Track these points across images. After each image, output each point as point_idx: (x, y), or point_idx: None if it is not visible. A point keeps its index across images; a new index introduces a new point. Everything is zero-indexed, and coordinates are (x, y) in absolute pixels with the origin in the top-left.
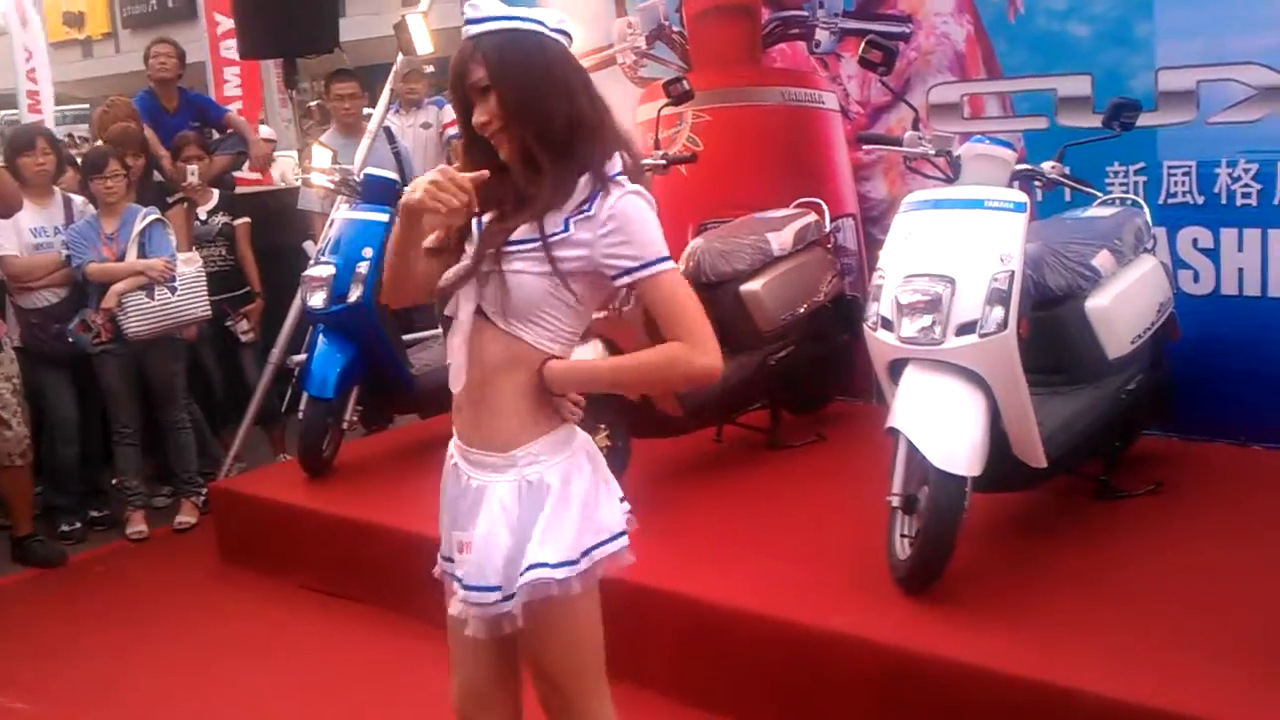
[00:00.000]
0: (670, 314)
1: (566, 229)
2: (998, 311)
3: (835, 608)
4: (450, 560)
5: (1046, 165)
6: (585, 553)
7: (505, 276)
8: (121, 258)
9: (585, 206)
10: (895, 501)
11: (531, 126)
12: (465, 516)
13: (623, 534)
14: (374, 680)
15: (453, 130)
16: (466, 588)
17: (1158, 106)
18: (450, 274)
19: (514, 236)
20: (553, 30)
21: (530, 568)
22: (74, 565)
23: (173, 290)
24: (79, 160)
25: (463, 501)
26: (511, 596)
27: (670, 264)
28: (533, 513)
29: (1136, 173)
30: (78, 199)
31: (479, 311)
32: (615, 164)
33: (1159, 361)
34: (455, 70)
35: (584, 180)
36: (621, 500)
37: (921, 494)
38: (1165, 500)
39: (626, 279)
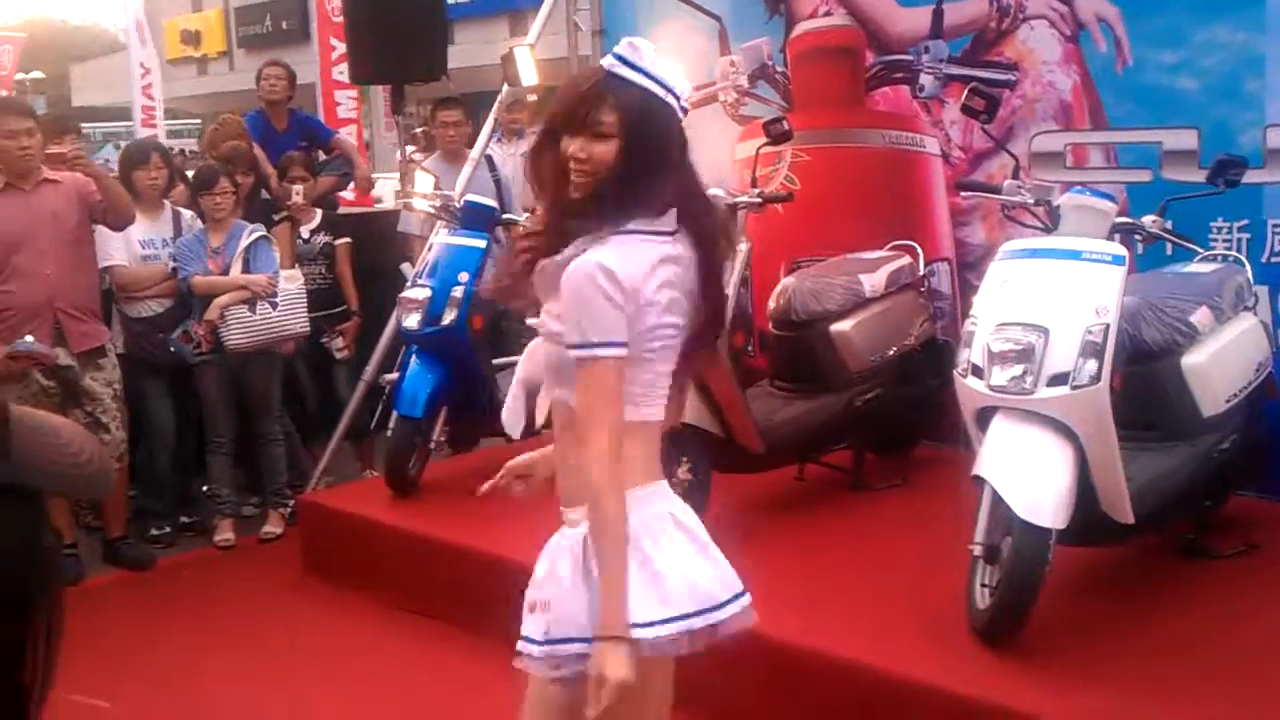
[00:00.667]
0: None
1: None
2: (1091, 364)
3: (912, 655)
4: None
5: (1148, 219)
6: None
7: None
8: (226, 272)
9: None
10: (977, 550)
11: (630, 193)
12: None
13: (677, 619)
14: (443, 700)
15: None
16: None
17: (1265, 163)
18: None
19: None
20: (681, 105)
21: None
22: (162, 569)
23: (274, 305)
24: (189, 175)
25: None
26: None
27: (596, 352)
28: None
29: (1240, 229)
30: (186, 213)
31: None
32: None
33: (1255, 421)
34: (574, 93)
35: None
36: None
37: (1004, 544)
38: (1257, 562)
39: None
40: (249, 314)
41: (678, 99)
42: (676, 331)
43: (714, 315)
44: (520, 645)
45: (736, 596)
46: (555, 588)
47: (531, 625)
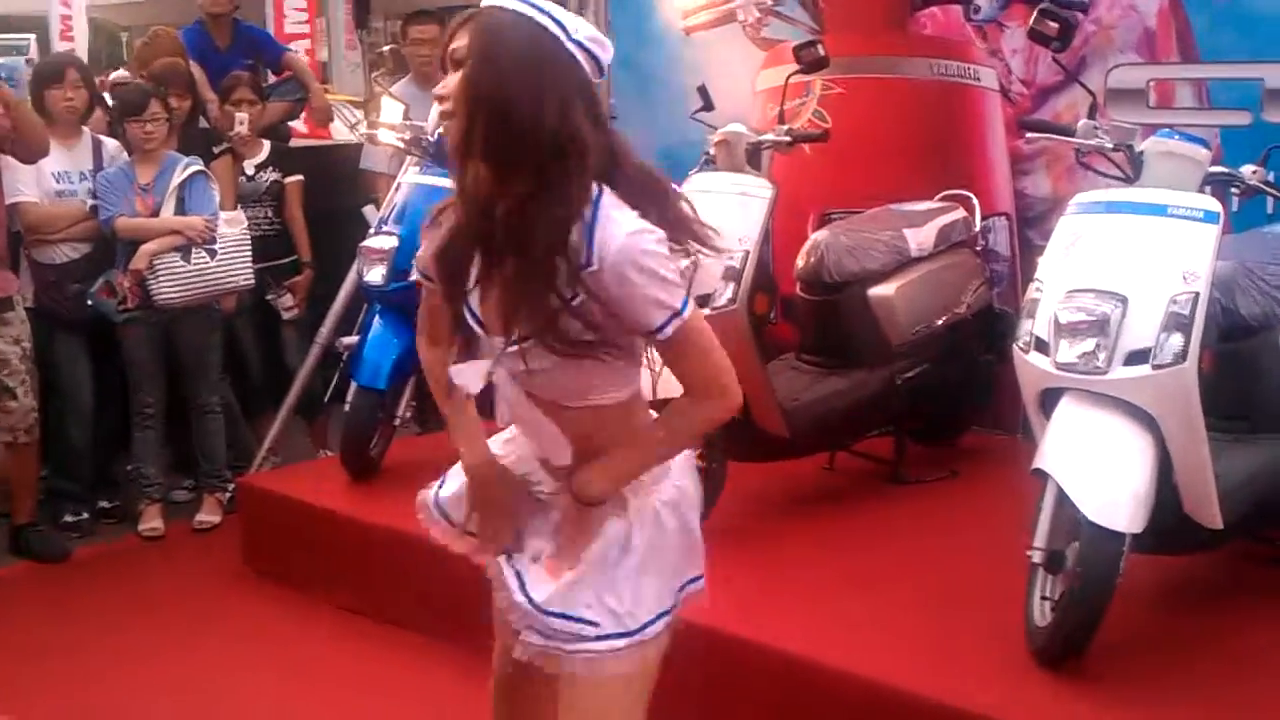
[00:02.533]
0: (694, 365)
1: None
2: (1176, 339)
3: (957, 678)
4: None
5: (1247, 169)
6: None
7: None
8: (156, 213)
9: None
10: (1037, 557)
11: (484, 108)
12: None
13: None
14: (400, 717)
15: None
16: None
17: None
18: None
19: None
20: (572, 40)
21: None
22: (77, 561)
23: (212, 254)
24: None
25: None
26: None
27: (685, 316)
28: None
29: None
30: (110, 142)
31: None
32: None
33: None
34: (448, 35)
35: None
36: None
37: (1070, 550)
38: None
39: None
40: (183, 263)
41: (564, 30)
42: None
43: None
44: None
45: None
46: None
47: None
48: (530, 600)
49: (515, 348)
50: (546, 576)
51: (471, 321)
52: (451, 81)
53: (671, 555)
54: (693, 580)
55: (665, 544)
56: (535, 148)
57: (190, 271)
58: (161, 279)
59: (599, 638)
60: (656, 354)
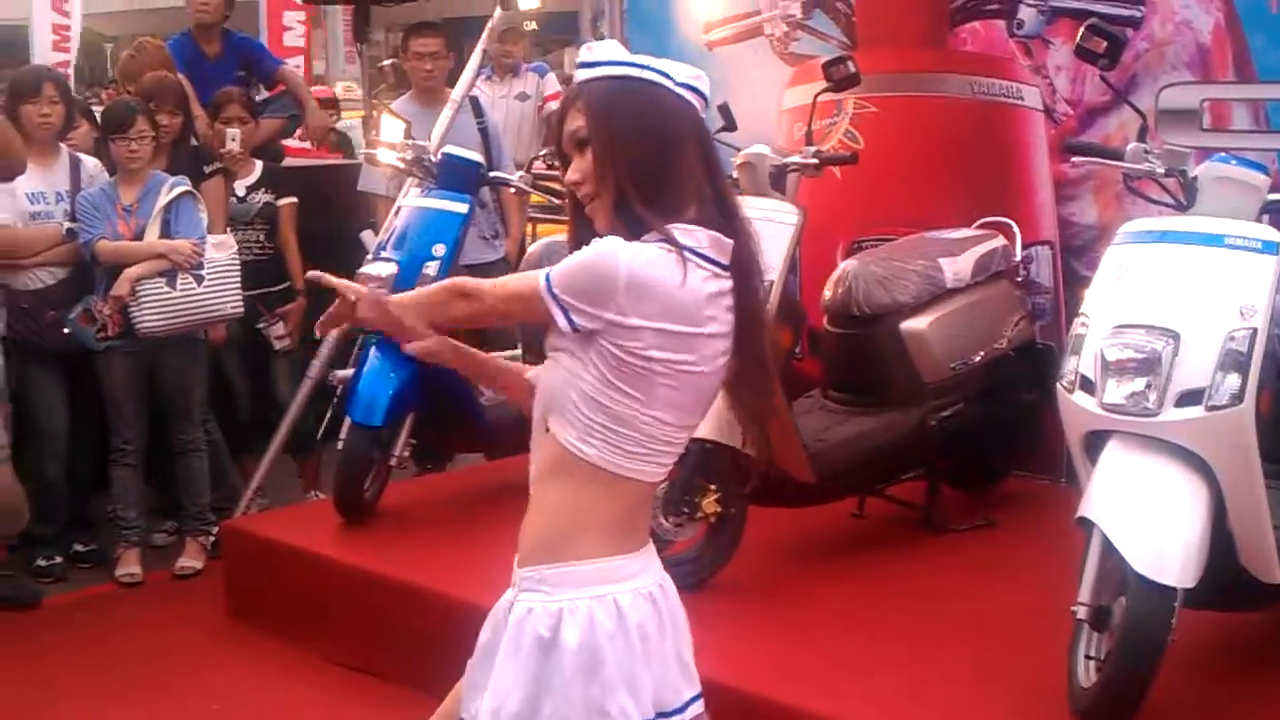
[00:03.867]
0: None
1: None
2: (1233, 379)
3: None
4: None
5: None
6: None
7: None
8: (140, 236)
9: None
10: (1082, 613)
11: (629, 178)
12: None
13: None
14: None
15: (554, 104)
16: None
17: None
18: None
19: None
20: (679, 85)
21: None
22: (49, 609)
23: (199, 280)
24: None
25: None
26: None
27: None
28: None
29: None
30: (89, 160)
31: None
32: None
33: None
34: (556, 119)
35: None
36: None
37: (1117, 606)
38: None
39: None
40: (168, 290)
41: (667, 75)
42: (707, 376)
43: (758, 368)
44: None
45: (692, 700)
46: (485, 666)
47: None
48: None
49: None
50: None
51: None
52: (582, 164)
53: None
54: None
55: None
56: (660, 189)
57: (176, 299)
58: (145, 306)
59: None
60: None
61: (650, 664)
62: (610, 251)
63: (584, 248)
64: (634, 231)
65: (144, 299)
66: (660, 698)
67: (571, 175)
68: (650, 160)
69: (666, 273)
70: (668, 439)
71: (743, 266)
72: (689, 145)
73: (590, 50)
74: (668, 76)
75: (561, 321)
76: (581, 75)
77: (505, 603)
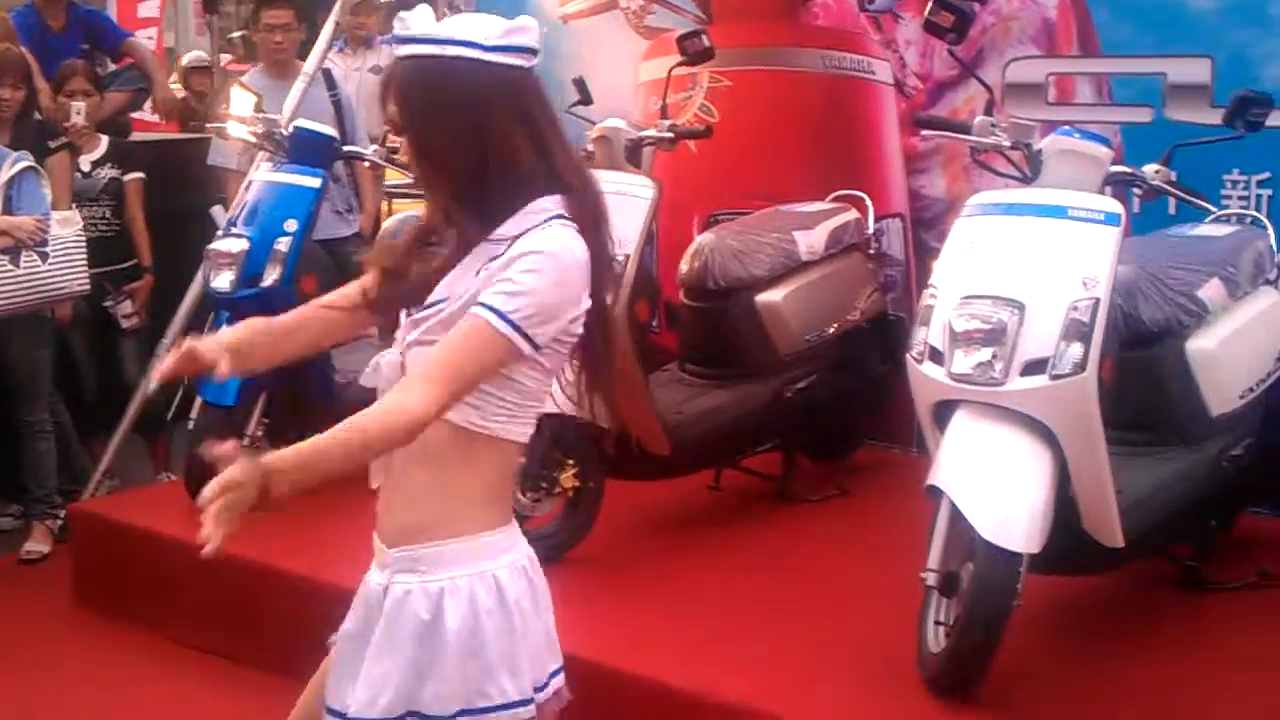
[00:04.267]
0: (442, 349)
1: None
2: (1075, 348)
3: (849, 710)
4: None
5: (1149, 169)
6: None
7: (408, 351)
8: None
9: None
10: (931, 580)
11: (448, 171)
12: None
13: (520, 704)
14: None
15: None
16: None
17: None
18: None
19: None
20: (492, 49)
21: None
22: None
23: (44, 257)
24: None
25: None
26: None
27: (503, 324)
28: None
29: (1260, 184)
30: None
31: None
32: (549, 206)
33: (1274, 422)
34: (381, 100)
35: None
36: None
37: (965, 572)
38: (1273, 596)
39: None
40: (11, 267)
41: (476, 46)
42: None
43: (605, 333)
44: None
45: (555, 673)
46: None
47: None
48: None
49: (423, 313)
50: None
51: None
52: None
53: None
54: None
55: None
56: (484, 178)
57: (19, 276)
58: None
59: None
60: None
61: (527, 640)
62: (551, 257)
63: (516, 261)
64: (486, 215)
65: None
66: (534, 674)
67: (403, 156)
68: (465, 150)
69: (580, 250)
70: (538, 401)
71: (593, 227)
72: (503, 120)
73: (401, 23)
74: (476, 46)
75: (526, 349)
76: (398, 52)
77: (377, 586)
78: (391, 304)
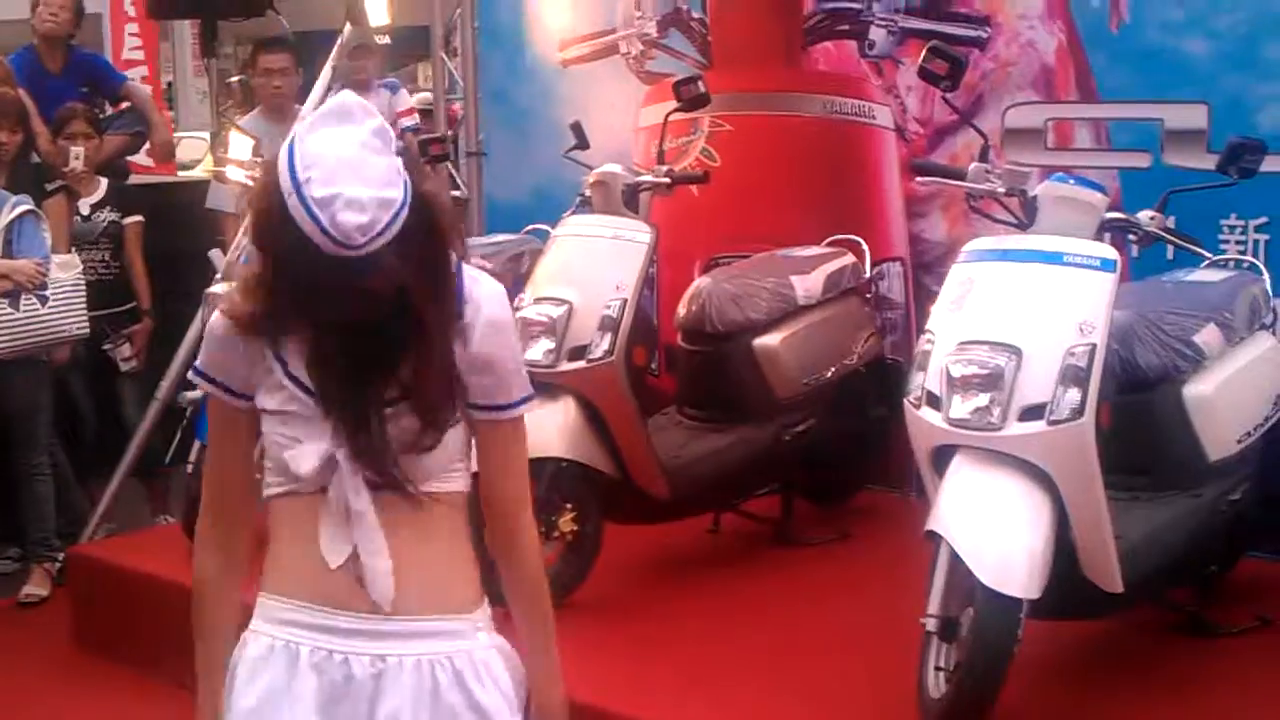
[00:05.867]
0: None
1: None
2: (1073, 394)
3: None
4: None
5: (1144, 214)
6: None
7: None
8: None
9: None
10: (931, 625)
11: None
12: None
13: None
14: None
15: (407, 121)
16: None
17: None
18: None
19: None
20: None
21: None
22: None
23: (44, 300)
24: None
25: None
26: None
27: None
28: None
29: (1258, 229)
30: None
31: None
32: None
33: (1272, 466)
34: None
35: None
36: None
37: (965, 617)
38: (1273, 640)
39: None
40: (10, 311)
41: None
42: None
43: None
44: None
45: None
46: None
47: None
48: None
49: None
50: None
51: (299, 393)
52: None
53: None
54: None
55: None
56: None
57: (19, 320)
58: None
59: None
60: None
61: None
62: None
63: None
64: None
65: None
66: None
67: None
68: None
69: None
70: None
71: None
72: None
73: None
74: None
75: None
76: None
77: (363, 666)
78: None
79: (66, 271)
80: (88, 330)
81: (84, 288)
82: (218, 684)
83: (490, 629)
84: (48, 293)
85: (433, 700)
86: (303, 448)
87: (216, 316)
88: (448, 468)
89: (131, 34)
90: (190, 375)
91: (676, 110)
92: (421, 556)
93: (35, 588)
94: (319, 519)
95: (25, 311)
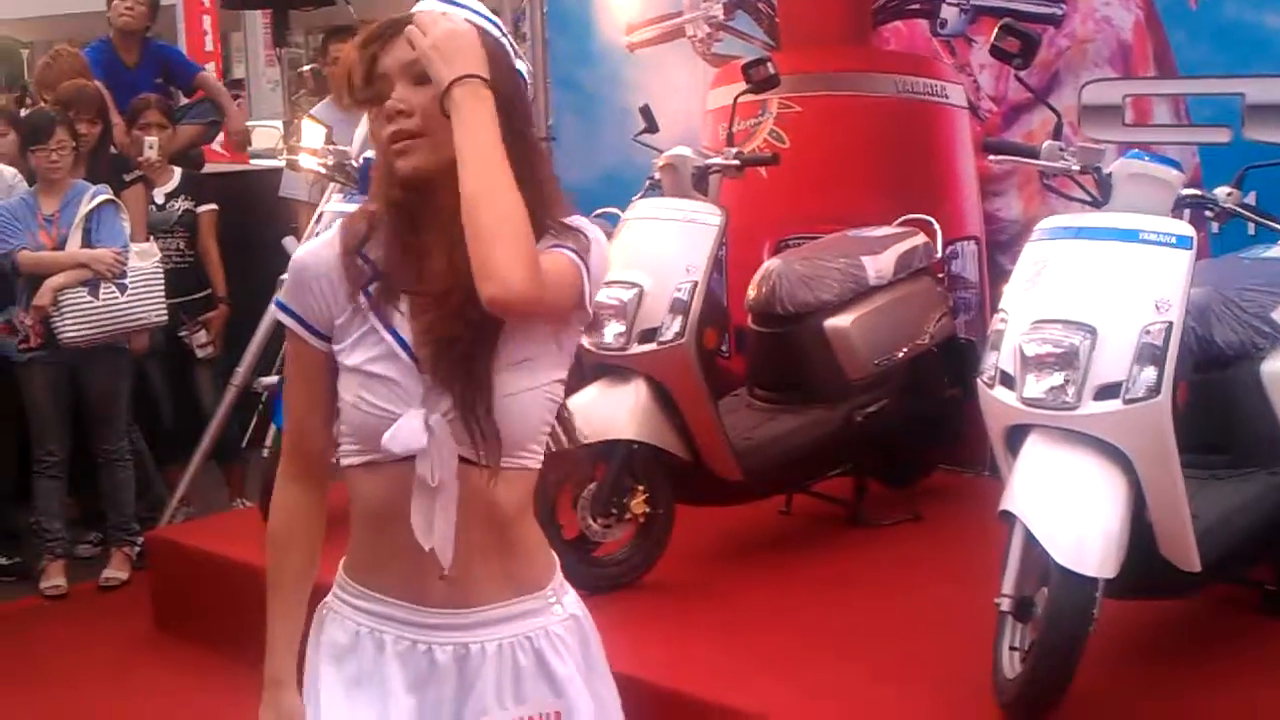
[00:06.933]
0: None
1: None
2: (1149, 372)
3: None
4: None
5: (1221, 191)
6: None
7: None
8: (61, 246)
9: None
10: (1006, 605)
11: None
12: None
13: None
14: None
15: None
16: None
17: None
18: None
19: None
20: (513, 48)
21: None
22: None
23: (122, 289)
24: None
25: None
26: None
27: (578, 261)
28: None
29: None
30: (7, 170)
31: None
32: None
33: None
34: (368, 48)
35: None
36: None
37: (1040, 597)
38: None
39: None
40: (90, 299)
41: (513, 51)
42: None
43: None
44: None
45: None
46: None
47: None
48: None
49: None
50: None
51: (403, 353)
52: (413, 95)
53: None
54: None
55: None
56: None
57: (98, 308)
58: (67, 316)
59: None
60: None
61: None
62: (598, 236)
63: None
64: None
65: (66, 309)
66: None
67: (396, 103)
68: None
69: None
70: None
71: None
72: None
73: None
74: (513, 50)
75: (590, 312)
76: (443, 7)
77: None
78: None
79: (145, 260)
80: (166, 318)
81: (162, 276)
82: (294, 630)
83: (562, 593)
84: (126, 281)
85: (514, 680)
86: (399, 419)
87: (303, 249)
88: (534, 438)
89: (202, 31)
90: (272, 307)
91: (746, 92)
92: (503, 539)
93: (115, 571)
94: (403, 494)
95: (104, 300)
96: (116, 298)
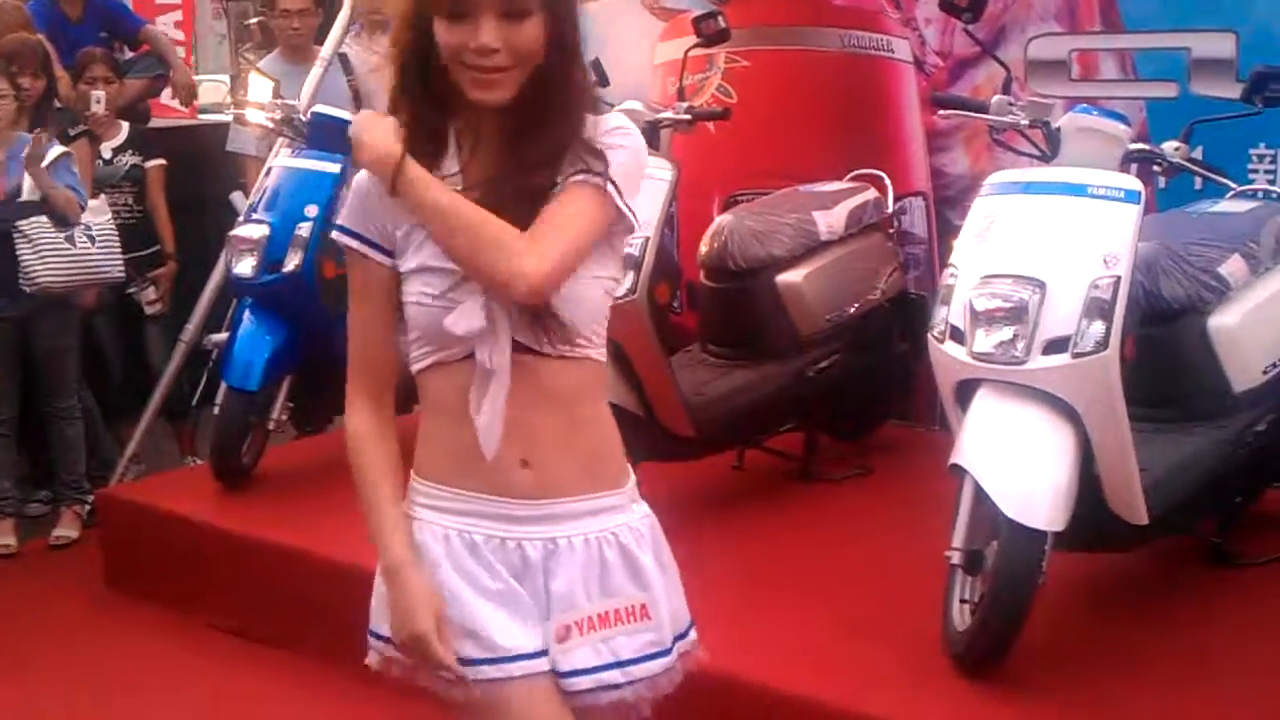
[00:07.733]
0: (549, 214)
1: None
2: (1097, 326)
3: (875, 688)
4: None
5: (1169, 145)
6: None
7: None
8: (12, 195)
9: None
10: (956, 558)
11: (569, 66)
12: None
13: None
14: None
15: None
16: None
17: None
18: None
19: None
20: None
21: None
22: None
23: (92, 240)
24: None
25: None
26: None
27: (602, 184)
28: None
29: None
30: None
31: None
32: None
33: None
34: None
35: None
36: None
37: (989, 550)
38: None
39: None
40: (67, 245)
41: None
42: None
43: None
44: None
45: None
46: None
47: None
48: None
49: None
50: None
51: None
52: (503, 32)
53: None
54: None
55: None
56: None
57: (74, 254)
58: (46, 258)
59: None
60: None
61: None
62: (635, 132)
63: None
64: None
65: (44, 250)
66: None
67: (488, 40)
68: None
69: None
70: None
71: None
72: None
73: None
74: None
75: (633, 220)
76: None
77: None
78: None
79: (99, 216)
80: (124, 275)
81: (117, 233)
82: (401, 514)
83: (638, 497)
84: (94, 233)
85: (601, 573)
86: (460, 307)
87: (363, 174)
88: (592, 326)
89: None
90: (334, 235)
91: (696, 46)
92: (573, 429)
93: (66, 530)
94: (468, 387)
95: (80, 249)
96: (89, 248)
